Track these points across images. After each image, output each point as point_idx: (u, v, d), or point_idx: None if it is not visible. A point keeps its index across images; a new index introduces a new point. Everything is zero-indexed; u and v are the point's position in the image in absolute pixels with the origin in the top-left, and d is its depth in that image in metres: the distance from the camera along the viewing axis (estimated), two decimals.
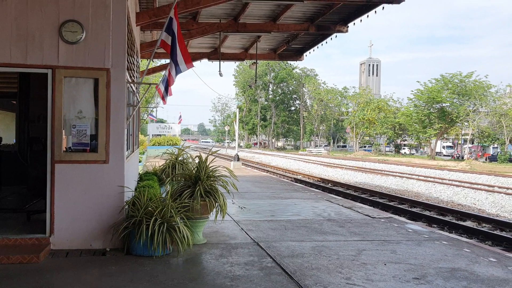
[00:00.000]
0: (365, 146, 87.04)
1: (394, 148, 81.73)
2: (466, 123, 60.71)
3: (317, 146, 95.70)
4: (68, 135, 6.47)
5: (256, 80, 21.45)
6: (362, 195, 18.11)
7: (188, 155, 9.10)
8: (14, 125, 10.69)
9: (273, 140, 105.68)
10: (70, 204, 6.36)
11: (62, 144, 6.39)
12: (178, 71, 7.09)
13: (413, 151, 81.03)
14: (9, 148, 10.70)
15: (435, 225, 12.06)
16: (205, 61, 16.87)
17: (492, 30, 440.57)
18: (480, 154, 62.77)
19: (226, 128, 79.98)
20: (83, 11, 6.37)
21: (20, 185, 9.07)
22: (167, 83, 9.62)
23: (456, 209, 14.73)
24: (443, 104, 59.70)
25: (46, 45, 6.30)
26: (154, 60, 20.07)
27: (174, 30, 6.83)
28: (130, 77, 7.97)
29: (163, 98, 9.26)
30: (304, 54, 16.82)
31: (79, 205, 6.37)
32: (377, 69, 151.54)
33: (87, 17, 6.38)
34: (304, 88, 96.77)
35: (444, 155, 70.73)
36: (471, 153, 61.73)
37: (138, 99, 9.05)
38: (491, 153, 64.02)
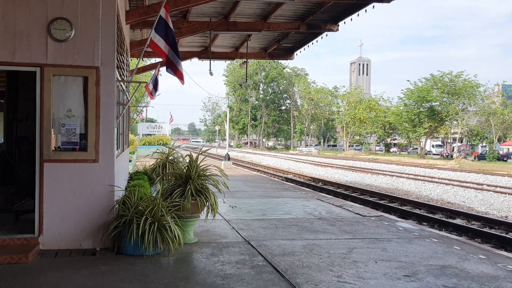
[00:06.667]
0: (353, 146, 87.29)
1: (384, 147, 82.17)
2: (455, 122, 61.22)
3: (307, 145, 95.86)
4: (57, 134, 6.41)
5: (246, 79, 21.47)
6: (352, 194, 18.17)
7: (179, 154, 9.07)
8: (2, 125, 10.57)
9: (264, 140, 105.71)
10: (59, 204, 6.29)
11: (51, 143, 6.32)
12: (173, 67, 6.99)
13: (403, 151, 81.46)
14: None
15: (425, 223, 12.13)
16: (195, 60, 16.82)
17: (478, 31, 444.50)
18: (458, 151, 62.99)
19: (217, 128, 79.82)
20: (72, 8, 6.30)
21: (8, 185, 8.96)
22: (156, 81, 9.59)
23: (446, 207, 14.82)
24: (433, 103, 60.13)
25: (34, 43, 6.23)
26: (143, 59, 19.97)
27: (170, 26, 6.79)
28: (120, 75, 7.91)
29: (151, 94, 9.25)
30: (295, 53, 16.82)
31: (69, 204, 6.31)
32: (367, 68, 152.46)
33: (76, 15, 6.31)
34: (294, 88, 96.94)
35: (434, 154, 71.23)
36: (460, 151, 62.23)
37: (128, 98, 9.00)
38: (480, 151, 64.60)
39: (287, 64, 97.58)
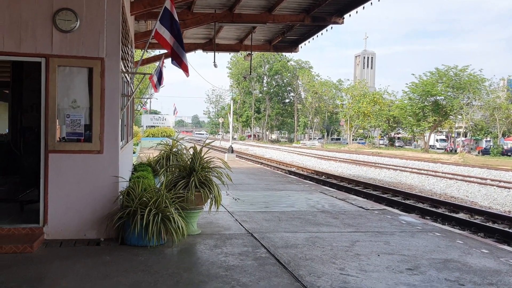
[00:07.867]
0: (356, 139, 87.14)
1: (388, 141, 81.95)
2: (459, 116, 60.97)
3: (311, 138, 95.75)
4: (62, 125, 6.43)
5: (250, 72, 21.44)
6: (355, 187, 18.17)
7: (183, 146, 9.09)
8: (7, 115, 10.60)
9: (267, 133, 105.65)
10: (64, 194, 6.33)
11: (56, 134, 6.34)
12: (178, 59, 6.97)
13: (406, 145, 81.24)
14: (2, 138, 10.61)
15: (428, 217, 12.13)
16: (199, 52, 16.83)
17: (483, 25, 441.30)
18: (462, 145, 62.63)
19: (220, 120, 79.79)
20: None
21: (13, 175, 9.01)
22: (161, 73, 9.58)
23: (449, 201, 14.81)
24: (438, 97, 59.87)
25: (39, 33, 6.23)
26: (148, 50, 19.94)
27: (176, 18, 6.77)
28: (125, 67, 7.91)
29: (155, 87, 9.27)
30: (299, 45, 16.77)
31: (73, 195, 6.35)
32: (371, 61, 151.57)
33: (81, 6, 6.31)
34: (298, 81, 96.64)
35: (438, 148, 71.03)
36: (464, 146, 62.03)
37: (132, 90, 9.01)
38: (484, 146, 64.35)
39: (291, 56, 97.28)
